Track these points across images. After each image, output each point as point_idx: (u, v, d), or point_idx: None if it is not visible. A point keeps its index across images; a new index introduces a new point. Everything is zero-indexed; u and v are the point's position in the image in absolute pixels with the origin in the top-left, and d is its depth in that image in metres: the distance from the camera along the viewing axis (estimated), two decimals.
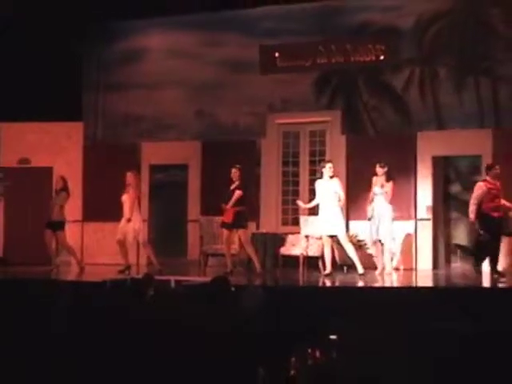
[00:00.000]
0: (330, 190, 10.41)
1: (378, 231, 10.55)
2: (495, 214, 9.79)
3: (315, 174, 12.45)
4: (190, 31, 13.28)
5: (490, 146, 11.42)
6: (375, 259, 10.94)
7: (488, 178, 9.98)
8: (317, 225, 10.65)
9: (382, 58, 12.26)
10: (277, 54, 12.76)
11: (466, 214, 10.22)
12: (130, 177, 11.20)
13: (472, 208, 9.89)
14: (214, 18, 13.05)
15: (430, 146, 11.76)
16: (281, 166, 12.80)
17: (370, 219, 10.63)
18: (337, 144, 12.40)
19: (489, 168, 10.12)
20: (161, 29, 13.50)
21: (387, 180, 10.54)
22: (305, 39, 12.60)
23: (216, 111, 13.07)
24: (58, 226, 11.46)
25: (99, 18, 13.21)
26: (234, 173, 10.85)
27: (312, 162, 12.60)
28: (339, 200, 10.45)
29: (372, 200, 10.62)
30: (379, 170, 10.58)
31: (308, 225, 11.21)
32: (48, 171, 13.26)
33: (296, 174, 12.72)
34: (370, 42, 12.29)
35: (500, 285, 9.37)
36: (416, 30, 12.03)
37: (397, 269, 11.08)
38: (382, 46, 12.23)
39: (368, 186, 10.73)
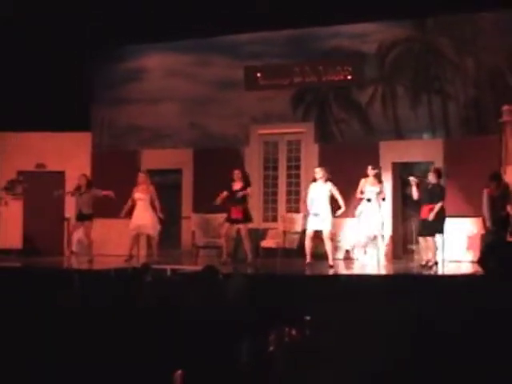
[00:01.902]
0: (322, 191, 10.10)
1: (369, 228, 10.23)
2: None
3: (292, 178, 12.51)
4: (184, 54, 13.24)
5: (441, 153, 11.46)
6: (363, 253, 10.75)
7: None
8: (308, 220, 10.30)
9: (349, 77, 12.28)
10: (259, 74, 12.75)
11: (419, 212, 10.16)
12: (141, 177, 11.04)
13: None
14: (205, 43, 13.01)
15: (390, 154, 11.78)
16: (262, 171, 12.78)
17: (358, 217, 10.33)
18: (310, 151, 12.39)
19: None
20: (159, 52, 13.46)
21: (379, 181, 10.29)
22: (283, 61, 12.60)
23: (206, 123, 13.04)
24: (90, 217, 11.16)
25: (106, 42, 13.18)
26: (237, 174, 10.62)
27: (289, 167, 12.62)
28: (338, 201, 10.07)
29: (360, 200, 10.31)
30: (371, 171, 10.24)
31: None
32: (61, 175, 13.18)
33: (275, 178, 12.71)
34: (339, 64, 12.31)
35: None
36: (378, 55, 12.07)
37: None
38: (349, 67, 12.25)
39: (340, 187, 10.68)
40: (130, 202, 10.95)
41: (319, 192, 10.14)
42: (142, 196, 10.86)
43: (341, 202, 10.08)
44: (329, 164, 11.81)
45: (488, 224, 9.44)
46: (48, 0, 11.75)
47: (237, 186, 10.58)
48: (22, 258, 11.92)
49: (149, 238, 11.09)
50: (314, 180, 10.31)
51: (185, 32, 12.43)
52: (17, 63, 12.62)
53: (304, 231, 11.19)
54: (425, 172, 10.43)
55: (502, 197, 9.42)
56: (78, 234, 11.63)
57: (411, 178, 10.05)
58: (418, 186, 9.92)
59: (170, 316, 4.11)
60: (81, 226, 11.23)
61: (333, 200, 10.19)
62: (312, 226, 10.19)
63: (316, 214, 10.08)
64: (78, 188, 11.20)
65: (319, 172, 10.24)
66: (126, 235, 11.41)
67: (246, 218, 10.53)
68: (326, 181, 10.17)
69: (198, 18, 11.91)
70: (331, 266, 10.03)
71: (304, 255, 10.35)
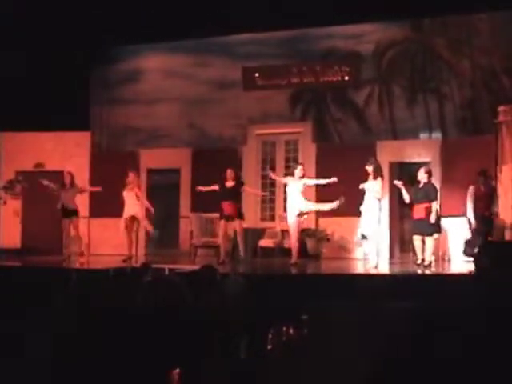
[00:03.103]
0: (297, 188, 9.93)
1: (365, 226, 9.78)
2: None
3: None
4: (182, 54, 13.23)
5: (438, 153, 11.47)
6: (366, 253, 10.41)
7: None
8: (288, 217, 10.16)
9: (346, 78, 12.29)
10: (257, 74, 12.75)
11: (412, 211, 10.06)
12: (131, 176, 11.04)
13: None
14: (203, 43, 13.01)
15: (386, 153, 11.77)
16: (260, 171, 12.76)
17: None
18: (308, 151, 12.39)
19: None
20: (157, 52, 13.45)
21: (375, 177, 9.66)
22: (281, 62, 12.60)
23: (204, 123, 13.03)
24: (76, 213, 11.23)
25: (105, 43, 13.16)
26: (230, 173, 10.50)
27: (287, 167, 12.58)
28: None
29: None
30: (367, 168, 9.77)
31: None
32: (60, 174, 13.14)
33: None
34: (336, 65, 12.32)
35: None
36: (375, 55, 12.08)
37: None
38: (346, 68, 12.25)
39: (334, 187, 10.60)
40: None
41: (295, 188, 9.95)
42: (129, 194, 10.84)
43: (322, 181, 10.00)
44: (326, 163, 11.84)
45: (472, 223, 9.47)
46: (46, 0, 11.75)
47: (229, 183, 10.49)
48: (20, 258, 11.90)
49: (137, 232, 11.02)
50: (292, 175, 10.05)
51: (183, 33, 12.42)
52: (15, 63, 12.59)
53: (302, 230, 11.20)
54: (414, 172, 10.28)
55: (487, 196, 9.41)
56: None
57: (396, 182, 10.00)
58: (406, 188, 9.79)
59: (167, 315, 4.09)
60: (68, 224, 11.25)
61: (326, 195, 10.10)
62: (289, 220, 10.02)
63: (293, 209, 9.92)
64: (63, 185, 11.22)
65: (300, 171, 10.00)
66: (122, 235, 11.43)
67: (239, 214, 10.43)
68: (301, 178, 9.99)
69: (196, 19, 11.91)
70: (292, 264, 9.79)
71: (303, 254, 10.32)
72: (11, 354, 3.37)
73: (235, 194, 10.52)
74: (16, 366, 3.35)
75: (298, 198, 9.98)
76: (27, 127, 12.89)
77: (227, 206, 10.36)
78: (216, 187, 10.46)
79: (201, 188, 10.57)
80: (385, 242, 11.53)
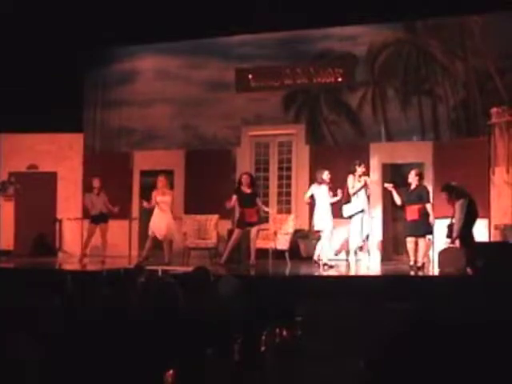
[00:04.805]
0: (324, 193, 10.15)
1: (364, 226, 10.02)
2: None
3: (283, 179, 12.52)
4: (176, 56, 13.24)
5: (430, 155, 11.51)
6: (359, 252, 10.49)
7: None
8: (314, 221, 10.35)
9: (339, 79, 12.32)
10: (250, 76, 12.77)
11: (405, 213, 10.08)
12: (161, 181, 10.94)
13: None
14: (197, 45, 13.02)
15: (380, 155, 11.82)
16: (253, 172, 12.75)
17: (351, 217, 10.12)
18: (301, 153, 12.42)
19: None
20: (151, 53, 13.45)
21: (364, 175, 10.08)
22: (274, 63, 12.63)
23: (198, 124, 13.04)
24: (106, 218, 11.29)
25: (99, 44, 13.15)
26: (246, 179, 10.45)
27: (280, 169, 12.63)
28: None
29: (350, 198, 10.06)
30: (356, 168, 10.04)
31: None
32: (53, 176, 13.16)
33: (266, 179, 12.71)
34: (329, 66, 12.35)
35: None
36: (368, 57, 12.12)
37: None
38: (339, 69, 12.29)
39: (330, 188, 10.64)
40: (149, 204, 10.89)
41: (323, 194, 10.12)
42: (164, 199, 10.79)
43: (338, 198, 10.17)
44: (319, 165, 11.85)
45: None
46: (40, 1, 11.75)
47: (246, 189, 10.41)
48: (14, 259, 11.89)
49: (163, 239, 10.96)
50: (319, 183, 10.20)
51: (177, 34, 12.43)
52: (9, 64, 12.57)
53: (295, 232, 11.25)
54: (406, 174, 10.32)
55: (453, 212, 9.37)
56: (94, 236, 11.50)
57: (386, 185, 10.08)
58: (397, 190, 9.86)
59: (161, 316, 4.12)
60: (95, 228, 11.23)
61: None
62: (316, 226, 10.18)
63: (321, 216, 10.08)
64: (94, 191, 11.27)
65: (327, 175, 10.15)
66: (124, 236, 11.46)
67: (260, 219, 10.46)
68: (322, 183, 10.16)
69: (190, 20, 11.92)
70: (328, 266, 9.97)
71: (297, 256, 10.34)
72: (9, 355, 3.40)
73: (254, 200, 10.45)
74: (14, 365, 3.37)
75: (327, 204, 10.09)
76: (20, 128, 12.86)
77: (249, 214, 10.27)
78: (235, 196, 10.38)
79: (228, 204, 10.40)
80: (377, 242, 11.58)
